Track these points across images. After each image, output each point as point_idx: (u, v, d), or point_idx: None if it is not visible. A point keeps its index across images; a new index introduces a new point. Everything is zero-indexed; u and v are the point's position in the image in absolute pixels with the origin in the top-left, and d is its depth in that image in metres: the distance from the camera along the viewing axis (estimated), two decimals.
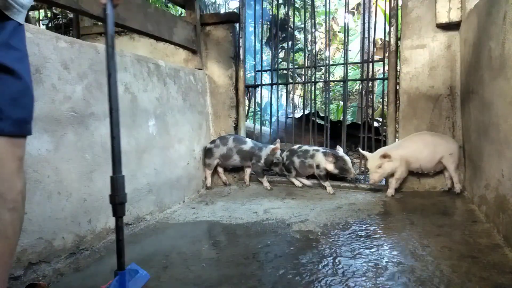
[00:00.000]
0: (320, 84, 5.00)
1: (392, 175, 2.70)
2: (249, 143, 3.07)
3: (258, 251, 1.75)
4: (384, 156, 2.60)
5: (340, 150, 2.93)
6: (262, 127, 4.16)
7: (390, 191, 2.71)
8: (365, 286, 1.38)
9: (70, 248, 1.70)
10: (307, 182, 3.11)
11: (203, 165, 3.10)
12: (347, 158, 2.87)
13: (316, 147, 3.03)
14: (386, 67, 3.02)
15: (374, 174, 2.64)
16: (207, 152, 3.10)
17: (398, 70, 2.93)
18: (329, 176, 3.01)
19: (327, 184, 2.94)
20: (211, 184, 3.14)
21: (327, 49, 3.82)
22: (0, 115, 0.88)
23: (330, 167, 2.85)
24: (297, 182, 3.13)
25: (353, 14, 10.93)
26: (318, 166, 2.92)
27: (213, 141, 3.12)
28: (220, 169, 3.19)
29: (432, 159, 2.62)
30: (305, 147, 3.05)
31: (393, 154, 2.61)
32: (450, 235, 1.89)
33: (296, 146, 3.11)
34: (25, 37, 1.02)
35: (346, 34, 3.55)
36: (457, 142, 2.66)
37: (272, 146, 3.00)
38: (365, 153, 2.80)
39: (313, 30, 4.03)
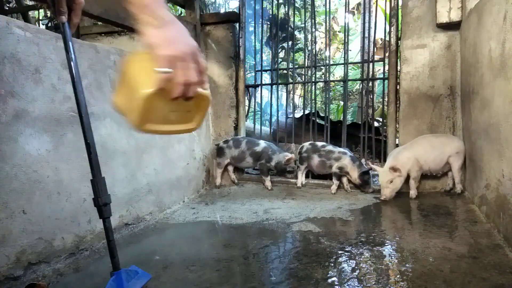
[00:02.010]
0: (320, 84, 5.00)
1: (408, 177, 2.63)
2: (262, 144, 3.04)
3: (259, 251, 1.75)
4: (394, 169, 2.53)
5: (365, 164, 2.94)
6: (262, 127, 4.16)
7: (413, 193, 2.64)
8: (366, 287, 1.38)
9: (70, 248, 1.69)
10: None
11: (209, 164, 3.12)
12: (369, 173, 2.88)
13: (342, 149, 2.97)
14: (387, 67, 3.01)
15: (386, 190, 2.57)
16: (219, 151, 3.10)
17: (399, 70, 2.92)
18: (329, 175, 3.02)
19: (336, 183, 2.92)
20: (220, 184, 3.14)
21: (327, 49, 3.82)
22: None
23: (355, 175, 2.82)
24: (299, 181, 3.09)
25: (353, 14, 10.93)
26: (340, 168, 2.87)
27: (226, 141, 3.11)
28: (230, 168, 3.18)
29: (441, 160, 2.59)
30: (330, 147, 2.98)
31: (401, 161, 2.55)
32: (451, 236, 1.89)
33: (319, 144, 3.04)
34: None
35: (346, 34, 3.54)
36: (462, 141, 2.63)
37: (288, 156, 2.93)
38: (377, 167, 2.70)
39: (313, 30, 4.03)
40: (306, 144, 3.09)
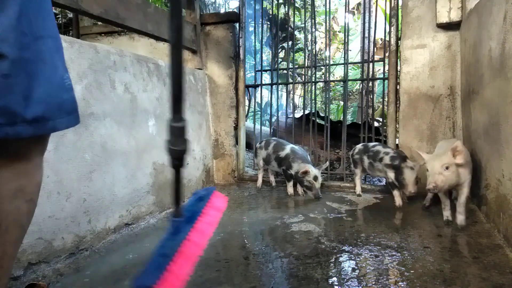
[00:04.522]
0: (320, 84, 5.00)
1: (450, 191, 2.09)
2: (286, 150, 2.85)
3: (258, 251, 1.75)
4: (457, 151, 1.89)
5: (409, 162, 2.43)
6: (262, 127, 4.16)
7: (462, 219, 1.99)
8: (367, 287, 1.38)
9: (70, 248, 1.69)
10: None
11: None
12: (407, 173, 2.38)
13: (388, 149, 2.60)
14: (387, 67, 3.02)
15: (437, 176, 1.88)
16: (255, 151, 3.15)
17: (399, 70, 2.92)
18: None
19: (395, 194, 2.51)
20: (260, 185, 3.11)
21: (327, 49, 3.82)
22: (14, 119, 0.77)
23: (391, 175, 2.48)
24: (357, 188, 2.83)
25: (353, 14, 10.93)
26: (386, 173, 2.53)
27: (261, 142, 3.11)
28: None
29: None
30: (378, 148, 2.65)
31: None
32: (451, 236, 1.89)
33: (370, 144, 2.75)
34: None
35: (346, 34, 3.54)
36: None
37: (303, 168, 2.64)
38: (424, 154, 2.07)
39: (313, 30, 4.03)
40: (359, 146, 2.83)
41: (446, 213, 2.08)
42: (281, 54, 6.62)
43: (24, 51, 0.78)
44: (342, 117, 4.43)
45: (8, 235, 0.92)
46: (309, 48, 4.43)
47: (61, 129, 0.87)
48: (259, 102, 5.58)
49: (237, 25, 3.32)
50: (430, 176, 1.91)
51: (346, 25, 3.68)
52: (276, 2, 3.87)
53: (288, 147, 2.89)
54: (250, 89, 4.08)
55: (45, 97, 0.82)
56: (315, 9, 5.26)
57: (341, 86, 8.79)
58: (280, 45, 6.19)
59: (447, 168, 1.89)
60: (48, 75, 0.83)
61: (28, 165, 0.91)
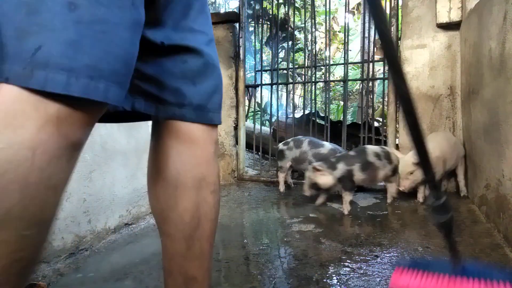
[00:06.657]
0: (320, 84, 5.00)
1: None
2: (327, 146, 2.71)
3: (259, 251, 1.75)
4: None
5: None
6: (262, 127, 4.16)
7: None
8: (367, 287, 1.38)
9: (70, 248, 1.69)
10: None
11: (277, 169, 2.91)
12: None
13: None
14: (386, 67, 3.02)
15: (405, 181, 2.35)
16: (279, 154, 2.87)
17: None
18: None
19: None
20: (284, 189, 2.89)
21: (327, 49, 3.82)
22: (182, 101, 0.82)
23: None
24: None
25: (353, 14, 10.93)
26: None
27: (286, 142, 2.88)
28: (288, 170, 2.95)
29: (456, 160, 2.49)
30: None
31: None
32: None
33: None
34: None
35: (346, 34, 3.55)
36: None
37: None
38: (398, 153, 2.45)
39: (313, 29, 4.03)
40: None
41: (419, 196, 2.53)
42: (281, 54, 6.62)
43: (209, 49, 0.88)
44: (342, 117, 4.43)
45: (201, 231, 0.87)
46: (309, 48, 4.43)
47: (215, 123, 0.93)
48: (259, 102, 5.58)
49: (237, 25, 3.32)
50: (400, 179, 2.40)
51: (346, 25, 3.68)
52: (276, 2, 3.87)
53: (327, 144, 2.76)
54: (250, 89, 4.09)
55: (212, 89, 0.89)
56: (315, 9, 5.26)
57: (341, 86, 8.80)
58: (280, 45, 6.18)
59: (411, 173, 2.34)
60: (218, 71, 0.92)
61: (205, 153, 0.89)
